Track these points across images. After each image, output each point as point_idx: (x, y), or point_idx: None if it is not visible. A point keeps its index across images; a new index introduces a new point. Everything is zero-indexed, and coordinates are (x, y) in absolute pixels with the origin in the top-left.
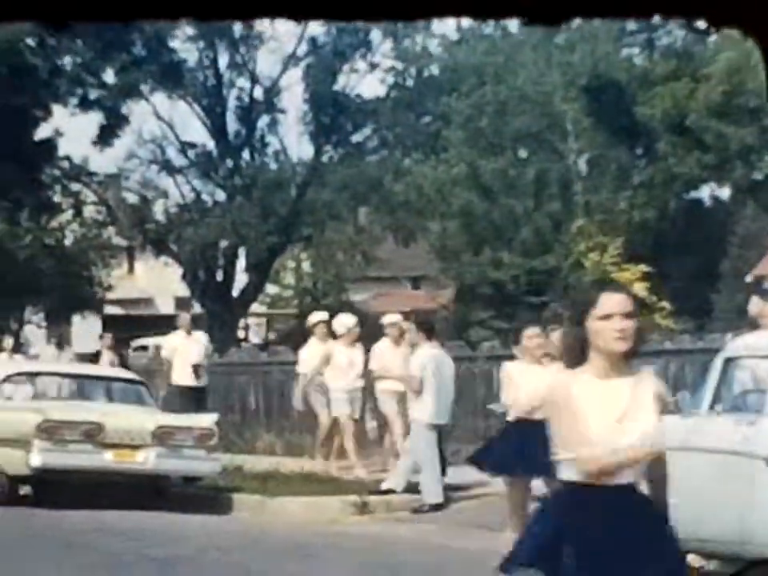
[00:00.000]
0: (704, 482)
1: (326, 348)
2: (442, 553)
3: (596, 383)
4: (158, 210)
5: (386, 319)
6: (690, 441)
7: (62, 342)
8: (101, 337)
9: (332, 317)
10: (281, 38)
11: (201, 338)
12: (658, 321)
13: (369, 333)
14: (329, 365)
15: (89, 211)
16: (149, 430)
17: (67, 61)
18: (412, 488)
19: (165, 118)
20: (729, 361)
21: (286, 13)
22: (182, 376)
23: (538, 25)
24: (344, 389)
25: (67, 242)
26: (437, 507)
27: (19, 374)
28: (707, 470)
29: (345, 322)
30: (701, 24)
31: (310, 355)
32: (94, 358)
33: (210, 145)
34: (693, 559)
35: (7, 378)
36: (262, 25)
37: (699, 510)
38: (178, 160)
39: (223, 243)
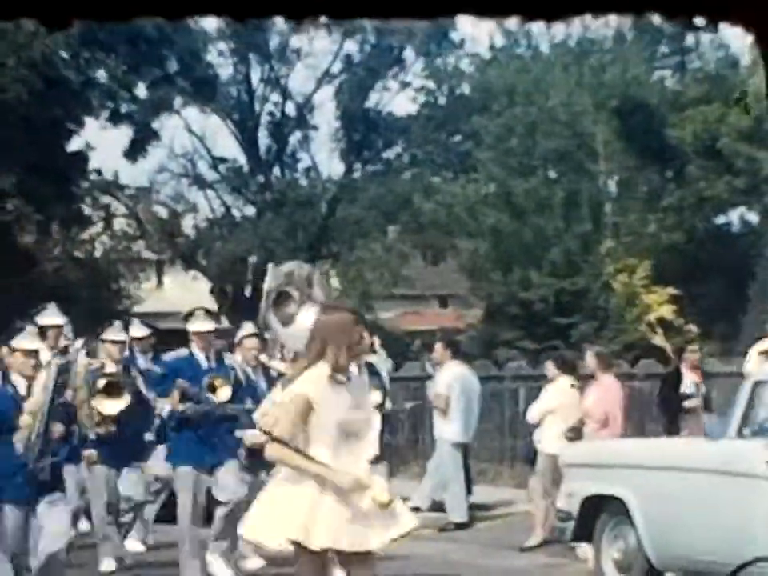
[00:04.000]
0: (731, 506)
1: None
2: (466, 571)
3: None
4: (188, 224)
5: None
6: (717, 464)
7: (90, 354)
8: None
9: None
10: (316, 54)
11: None
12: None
13: (395, 350)
14: None
15: (119, 224)
16: None
17: (100, 74)
18: (437, 506)
19: (196, 132)
20: (758, 384)
21: (284, 11)
22: None
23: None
24: None
25: (97, 254)
26: (462, 526)
27: None
28: (735, 494)
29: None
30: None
31: None
32: None
33: (241, 160)
34: None
35: None
36: (299, 41)
37: (726, 534)
38: (209, 174)
39: (252, 258)
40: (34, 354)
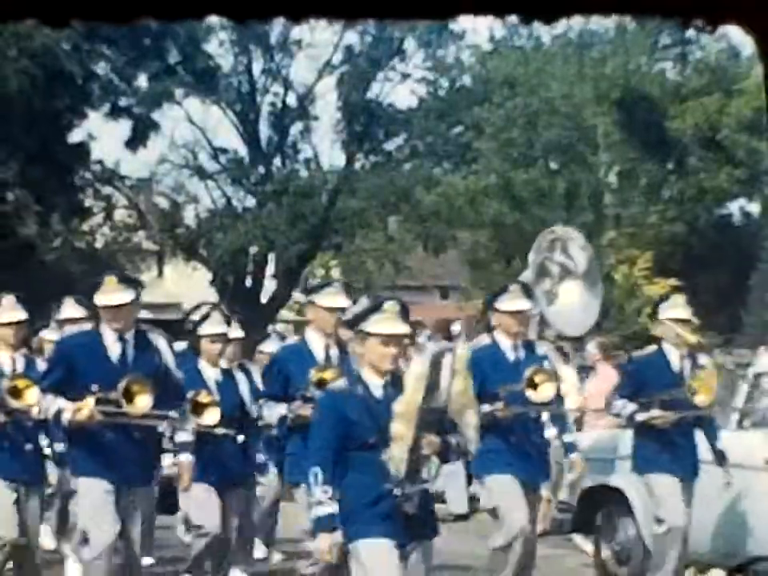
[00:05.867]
0: (730, 498)
1: None
2: (466, 563)
3: None
4: (189, 215)
5: None
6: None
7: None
8: None
9: None
10: (317, 45)
11: None
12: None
13: None
14: None
15: (119, 215)
16: None
17: (101, 66)
18: (438, 498)
19: (197, 123)
20: (758, 376)
21: (284, 12)
22: None
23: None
24: None
25: (98, 245)
26: (462, 517)
27: None
28: (736, 486)
29: None
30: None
31: None
32: None
33: (242, 151)
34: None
35: None
36: (300, 32)
37: (724, 526)
38: (210, 165)
39: (253, 249)
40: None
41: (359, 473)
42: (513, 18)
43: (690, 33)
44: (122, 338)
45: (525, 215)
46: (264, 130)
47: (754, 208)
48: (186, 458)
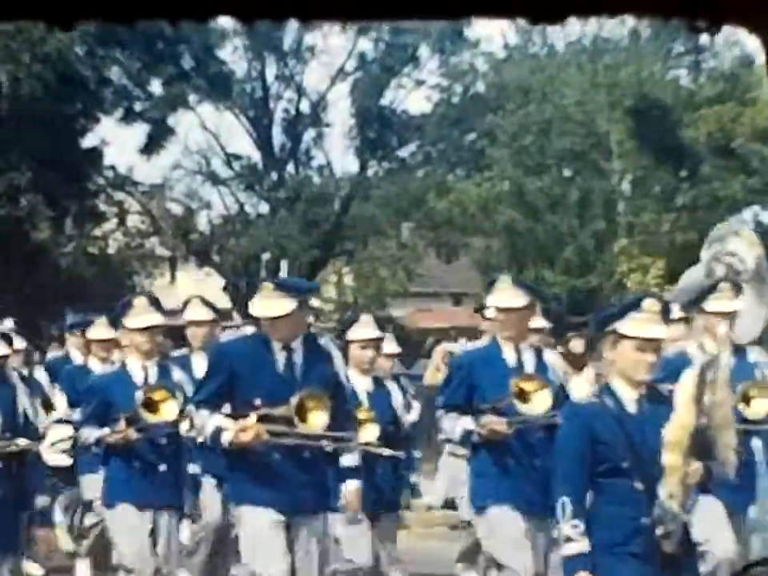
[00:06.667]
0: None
1: None
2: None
3: None
4: (202, 221)
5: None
6: None
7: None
8: None
9: None
10: (330, 51)
11: None
12: None
13: (409, 348)
14: None
15: (132, 220)
16: None
17: (115, 71)
18: (450, 504)
19: (211, 129)
20: None
21: (296, 14)
22: None
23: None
24: None
25: (110, 250)
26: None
27: None
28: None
29: None
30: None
31: None
32: None
33: (256, 157)
34: None
35: None
36: (313, 38)
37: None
38: (223, 171)
39: (265, 256)
40: None
41: (609, 504)
42: (524, 24)
43: (704, 40)
44: (287, 347)
45: (538, 222)
46: (277, 137)
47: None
48: (355, 484)
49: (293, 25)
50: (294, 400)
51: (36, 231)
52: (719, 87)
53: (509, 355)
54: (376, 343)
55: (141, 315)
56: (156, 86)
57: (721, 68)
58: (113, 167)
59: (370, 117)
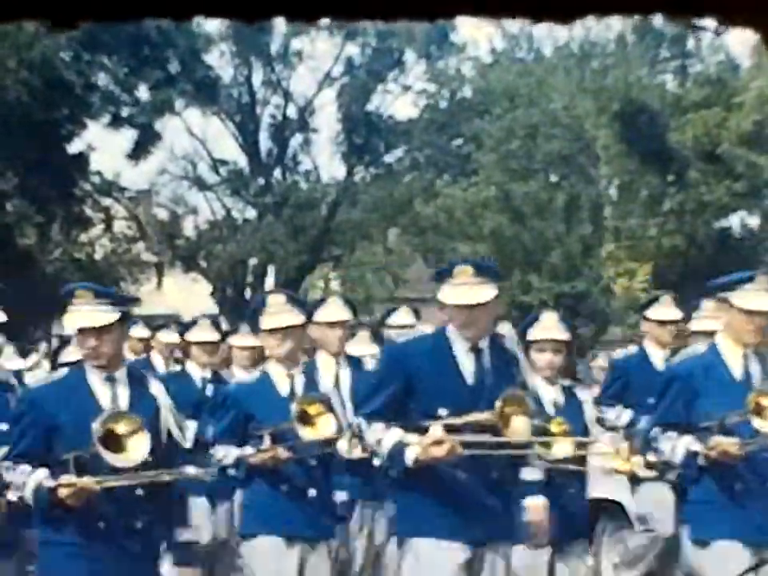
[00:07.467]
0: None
1: None
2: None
3: None
4: (188, 227)
5: None
6: None
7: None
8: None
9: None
10: (317, 57)
11: None
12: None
13: None
14: None
15: (119, 226)
16: None
17: (101, 76)
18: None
19: (197, 134)
20: None
21: (286, 12)
22: None
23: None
24: None
25: (97, 256)
26: None
27: None
28: None
29: None
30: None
31: None
32: None
33: (242, 162)
34: None
35: None
36: (300, 43)
37: None
38: (210, 177)
39: (252, 261)
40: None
41: None
42: (514, 28)
43: (690, 45)
44: (475, 348)
45: (524, 227)
46: (264, 142)
47: (754, 221)
48: (540, 500)
49: (279, 29)
50: (498, 403)
51: (23, 237)
52: (705, 92)
53: (734, 364)
54: (563, 346)
55: (278, 315)
56: (143, 92)
57: (706, 72)
58: (99, 173)
59: (356, 122)
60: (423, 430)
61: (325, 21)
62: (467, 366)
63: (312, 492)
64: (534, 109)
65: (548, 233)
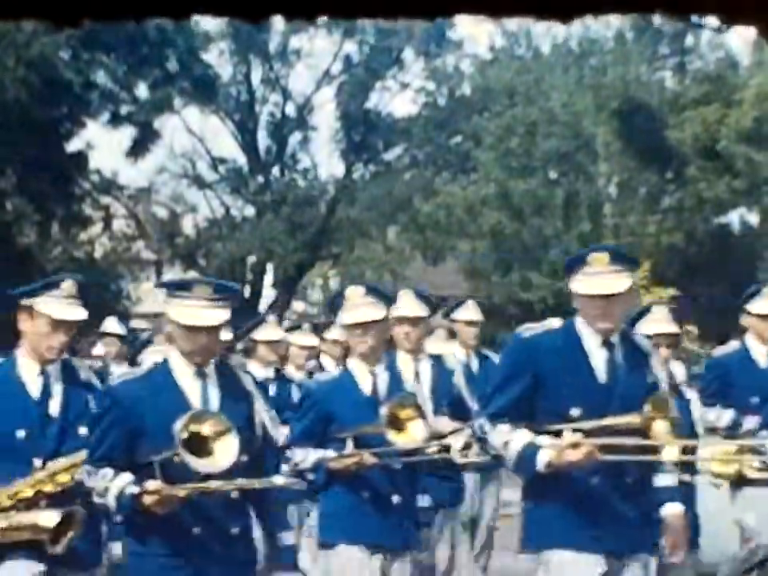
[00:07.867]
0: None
1: None
2: (465, 572)
3: None
4: (187, 225)
5: None
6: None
7: (90, 355)
8: None
9: None
10: (316, 55)
11: None
12: (684, 345)
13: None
14: None
15: (118, 225)
16: None
17: (100, 75)
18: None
19: (196, 132)
20: None
21: (285, 11)
22: None
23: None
24: None
25: (96, 254)
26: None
27: None
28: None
29: None
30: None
31: None
32: None
33: (241, 160)
34: None
35: None
36: (299, 41)
37: (732, 534)
38: (209, 175)
39: (251, 259)
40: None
41: None
42: (512, 25)
43: (689, 42)
44: (606, 342)
45: (524, 225)
46: (263, 140)
47: (753, 218)
48: (678, 508)
49: (278, 27)
50: (647, 407)
51: (22, 236)
52: (704, 89)
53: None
54: (675, 340)
55: (358, 308)
56: (142, 90)
57: (705, 69)
58: (98, 171)
59: (355, 120)
60: (552, 433)
61: (323, 19)
62: (599, 362)
63: (396, 498)
64: (533, 106)
65: (547, 230)
